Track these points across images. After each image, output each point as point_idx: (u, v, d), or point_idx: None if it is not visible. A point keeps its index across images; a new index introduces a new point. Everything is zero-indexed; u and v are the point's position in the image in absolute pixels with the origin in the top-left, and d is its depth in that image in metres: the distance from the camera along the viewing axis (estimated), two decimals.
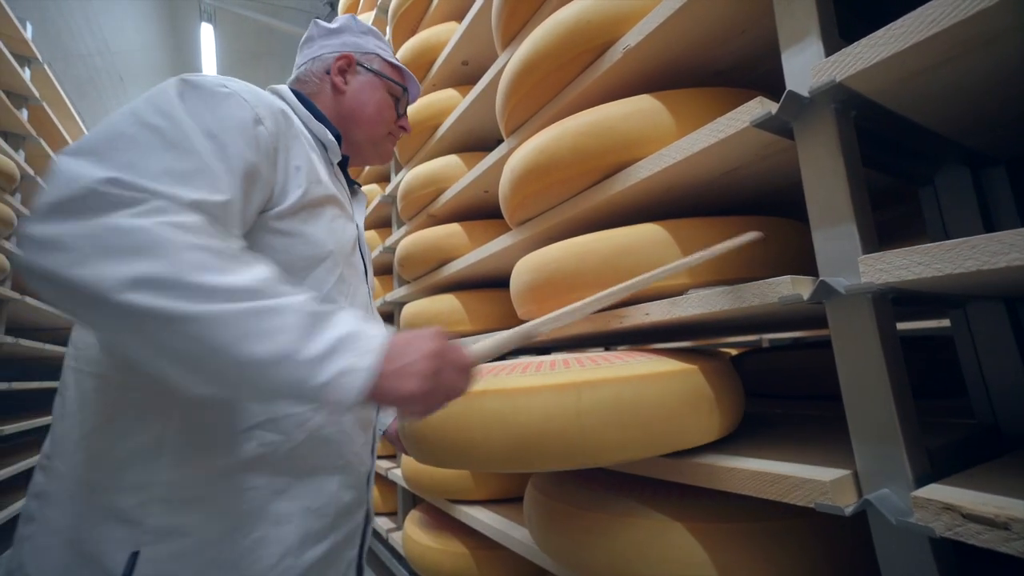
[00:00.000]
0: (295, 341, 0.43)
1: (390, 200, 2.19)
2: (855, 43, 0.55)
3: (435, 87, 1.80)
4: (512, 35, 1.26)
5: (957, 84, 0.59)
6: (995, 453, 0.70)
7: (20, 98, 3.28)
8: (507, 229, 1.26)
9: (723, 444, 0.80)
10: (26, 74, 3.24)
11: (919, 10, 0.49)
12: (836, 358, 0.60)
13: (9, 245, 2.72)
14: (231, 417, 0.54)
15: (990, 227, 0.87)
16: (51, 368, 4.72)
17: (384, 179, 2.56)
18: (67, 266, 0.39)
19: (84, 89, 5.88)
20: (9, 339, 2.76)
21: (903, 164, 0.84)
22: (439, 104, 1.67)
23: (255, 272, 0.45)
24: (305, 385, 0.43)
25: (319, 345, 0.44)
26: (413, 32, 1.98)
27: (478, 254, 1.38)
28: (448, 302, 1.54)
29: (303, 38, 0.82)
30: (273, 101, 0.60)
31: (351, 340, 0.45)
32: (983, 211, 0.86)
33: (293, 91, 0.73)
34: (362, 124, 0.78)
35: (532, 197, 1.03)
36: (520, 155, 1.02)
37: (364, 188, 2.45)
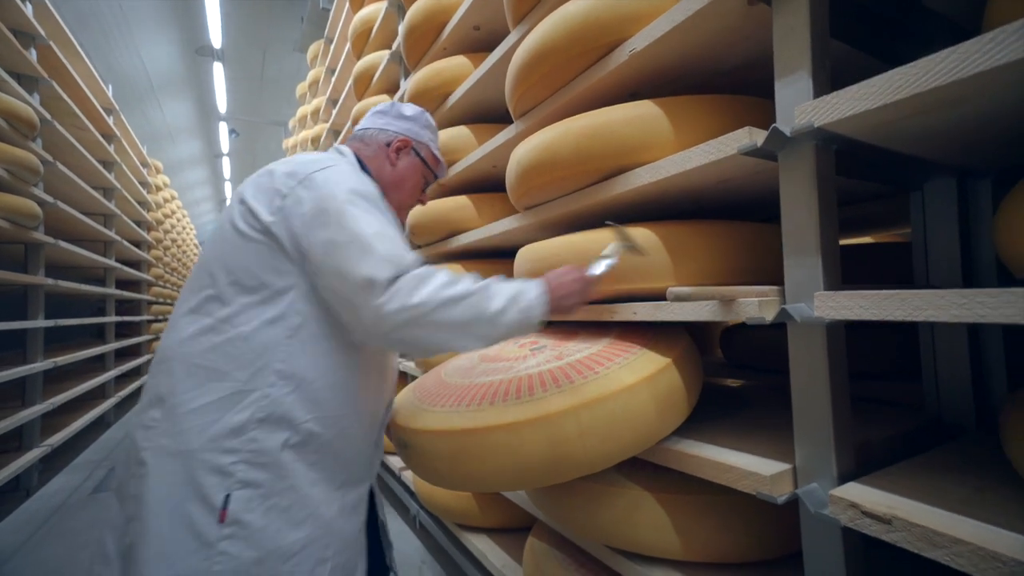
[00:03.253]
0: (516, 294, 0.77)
1: None
2: (833, 93, 0.59)
3: (445, 51, 1.77)
4: (524, 12, 1.25)
5: (933, 128, 0.63)
6: (929, 445, 0.80)
7: (27, 37, 3.22)
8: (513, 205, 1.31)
9: (697, 425, 0.91)
10: (28, 9, 3.16)
11: (887, 75, 0.53)
12: (791, 372, 0.69)
13: (38, 192, 2.82)
14: (296, 412, 0.76)
15: (967, 235, 0.91)
16: (86, 305, 4.99)
17: None
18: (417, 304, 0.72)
19: (86, 22, 5.69)
20: (49, 280, 2.93)
21: (891, 175, 0.88)
22: (449, 72, 1.66)
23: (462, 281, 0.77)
24: (529, 313, 0.77)
25: (527, 291, 0.78)
26: None
27: (485, 231, 1.45)
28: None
29: (378, 108, 1.01)
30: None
31: (531, 286, 0.79)
32: (962, 220, 0.90)
33: (356, 156, 0.94)
34: (397, 193, 0.96)
35: (536, 189, 1.09)
36: (525, 149, 1.06)
37: None
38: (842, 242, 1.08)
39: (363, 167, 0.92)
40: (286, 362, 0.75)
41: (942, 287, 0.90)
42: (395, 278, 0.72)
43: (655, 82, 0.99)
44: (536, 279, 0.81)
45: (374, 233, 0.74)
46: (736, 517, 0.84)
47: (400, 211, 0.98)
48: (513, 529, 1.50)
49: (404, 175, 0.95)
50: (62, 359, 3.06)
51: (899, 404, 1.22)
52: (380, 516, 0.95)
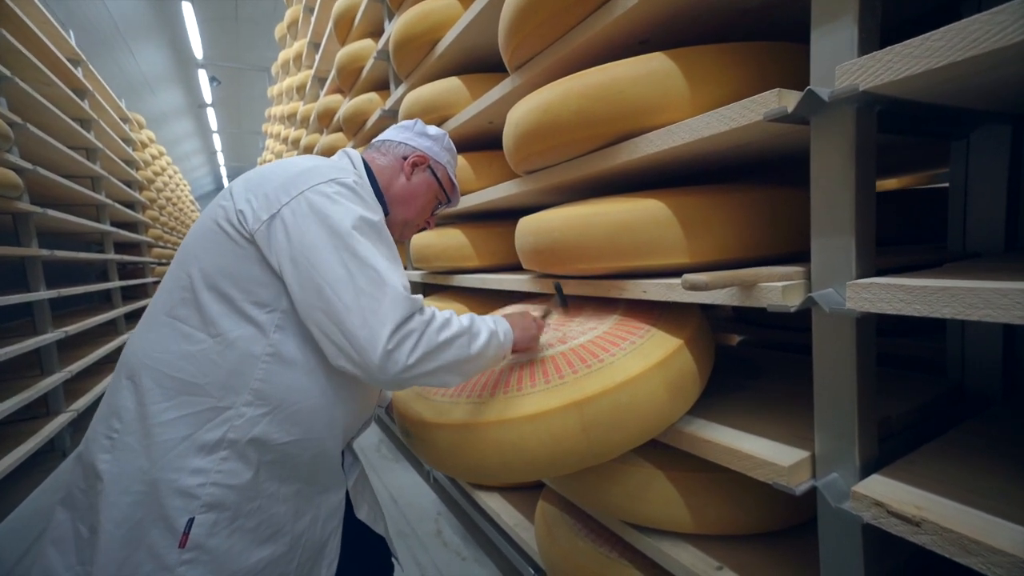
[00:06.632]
0: (493, 331, 0.77)
1: (391, 115, 2.08)
2: (886, 49, 0.49)
3: None
4: None
5: (1005, 80, 0.53)
6: (952, 418, 0.77)
7: None
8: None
9: (709, 400, 0.88)
10: None
11: (961, 25, 0.44)
12: (814, 359, 0.64)
13: (13, 158, 2.69)
14: (273, 434, 0.71)
15: (1015, 190, 0.83)
16: (91, 272, 4.98)
17: (383, 87, 2.38)
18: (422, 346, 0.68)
19: None
20: (44, 252, 2.88)
21: (936, 127, 0.79)
22: (437, 15, 1.49)
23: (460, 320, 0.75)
24: (503, 347, 0.78)
25: (499, 328, 0.79)
26: None
27: (483, 196, 1.36)
28: (456, 237, 1.56)
29: (403, 123, 0.99)
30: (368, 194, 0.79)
31: (502, 323, 0.81)
32: (1012, 173, 0.82)
33: (365, 164, 0.89)
34: (406, 209, 0.91)
35: (536, 155, 0.99)
36: (523, 111, 0.96)
37: (364, 97, 2.36)
38: None
39: (372, 177, 0.87)
40: (265, 381, 0.69)
41: (983, 252, 0.85)
42: (405, 321, 0.67)
43: (669, 26, 0.87)
44: (500, 318, 0.83)
45: (385, 269, 0.68)
46: (746, 493, 0.84)
47: (404, 228, 0.94)
48: (524, 488, 1.55)
49: (416, 191, 0.91)
50: (72, 328, 3.09)
51: (917, 364, 1.19)
52: (359, 515, 0.88)
